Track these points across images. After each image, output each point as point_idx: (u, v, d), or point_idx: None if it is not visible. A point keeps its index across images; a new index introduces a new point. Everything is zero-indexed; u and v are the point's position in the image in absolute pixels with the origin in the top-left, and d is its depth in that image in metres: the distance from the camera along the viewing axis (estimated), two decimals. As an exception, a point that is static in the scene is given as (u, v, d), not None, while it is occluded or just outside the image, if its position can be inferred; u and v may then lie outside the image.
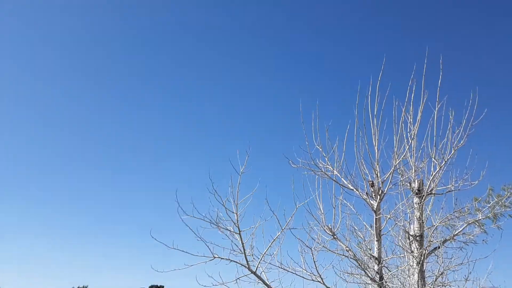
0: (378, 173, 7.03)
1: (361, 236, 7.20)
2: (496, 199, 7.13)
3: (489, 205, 7.11)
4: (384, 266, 6.94)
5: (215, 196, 6.18)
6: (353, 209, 7.20)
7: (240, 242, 6.31)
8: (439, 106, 7.06)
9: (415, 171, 7.20)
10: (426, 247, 6.93)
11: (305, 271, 6.82)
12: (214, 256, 6.31)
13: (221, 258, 6.36)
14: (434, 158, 7.04)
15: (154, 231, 6.04)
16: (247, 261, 6.38)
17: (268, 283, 6.49)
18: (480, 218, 7.00)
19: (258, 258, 6.48)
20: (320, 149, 7.12)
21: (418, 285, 6.80)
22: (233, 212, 6.28)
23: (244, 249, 6.33)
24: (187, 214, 5.99)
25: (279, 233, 6.49)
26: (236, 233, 6.30)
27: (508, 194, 6.88)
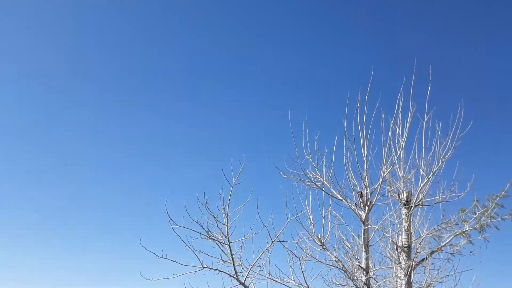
0: (367, 184, 7.08)
1: (349, 246, 7.22)
2: (481, 210, 7.22)
3: (475, 216, 7.20)
4: (371, 277, 6.96)
5: (206, 207, 6.15)
6: (342, 219, 7.23)
7: (230, 253, 6.28)
8: (427, 117, 7.17)
9: (403, 182, 7.27)
10: (413, 258, 6.97)
11: (294, 282, 6.82)
12: (203, 266, 6.26)
13: (210, 268, 6.32)
14: (422, 170, 7.12)
15: (144, 238, 5.99)
16: (236, 272, 6.36)
17: (256, 294, 6.46)
18: (467, 229, 7.09)
19: (247, 269, 6.45)
20: (310, 160, 7.16)
21: (405, 296, 6.82)
22: (223, 224, 6.26)
23: (233, 260, 6.30)
24: (176, 224, 5.94)
25: (269, 245, 6.48)
26: (226, 244, 6.27)
27: (494, 204, 6.98)
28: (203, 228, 6.24)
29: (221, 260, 6.33)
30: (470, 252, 7.14)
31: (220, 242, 6.28)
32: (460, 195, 7.10)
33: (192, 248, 6.12)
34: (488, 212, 7.21)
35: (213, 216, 6.19)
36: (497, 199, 6.95)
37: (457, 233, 7.08)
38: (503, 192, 6.96)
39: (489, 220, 7.29)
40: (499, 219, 7.22)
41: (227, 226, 6.34)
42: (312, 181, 7.11)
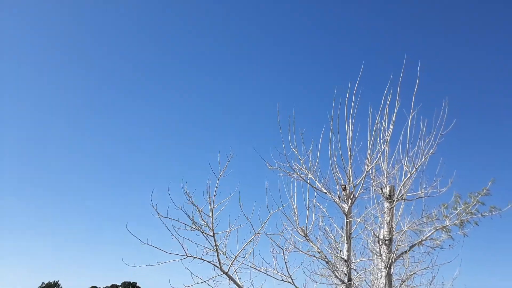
0: (351, 178, 7.20)
1: (332, 238, 7.38)
2: (463, 206, 7.38)
3: (456, 211, 7.36)
4: (353, 268, 7.12)
5: (190, 200, 6.23)
6: (325, 211, 7.37)
7: (214, 244, 6.39)
8: (413, 114, 7.29)
9: (386, 176, 7.40)
10: (394, 251, 7.13)
11: (276, 272, 6.95)
12: (187, 255, 6.37)
13: (194, 257, 6.42)
14: (406, 165, 7.25)
15: (128, 226, 6.06)
16: (219, 261, 6.47)
17: (239, 283, 6.59)
18: (448, 224, 7.24)
19: (231, 258, 6.57)
20: (296, 152, 7.26)
21: (385, 288, 6.99)
22: (208, 216, 6.35)
23: (217, 250, 6.41)
24: (161, 215, 6.02)
25: (253, 237, 6.60)
26: (210, 235, 6.37)
27: (475, 201, 7.13)
28: (189, 218, 6.32)
29: (205, 249, 6.43)
30: (449, 245, 7.31)
31: (204, 233, 6.38)
32: (441, 191, 7.25)
33: (176, 237, 6.22)
34: (469, 208, 7.36)
35: (198, 209, 6.27)
36: (479, 196, 7.10)
37: (438, 228, 7.23)
38: (484, 190, 7.10)
39: (470, 216, 7.45)
40: (480, 215, 7.39)
41: (212, 218, 6.43)
42: (297, 173, 7.22)
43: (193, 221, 6.29)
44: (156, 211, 5.96)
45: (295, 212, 7.25)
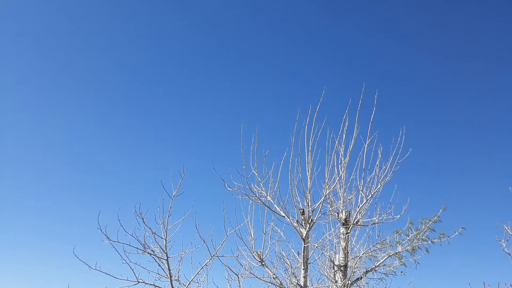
0: (309, 202, 7.13)
1: (289, 263, 7.23)
2: (414, 233, 7.55)
3: (408, 238, 7.51)
4: (309, 295, 7.00)
5: (143, 221, 5.86)
6: (283, 236, 7.24)
7: (167, 268, 6.03)
8: (369, 140, 7.38)
9: (343, 202, 7.42)
10: (349, 277, 7.10)
11: (231, 298, 6.68)
12: (138, 281, 5.96)
13: (145, 283, 6.02)
14: (362, 191, 7.31)
15: (77, 249, 5.58)
16: (172, 287, 6.11)
17: (193, 310, 6.25)
18: (400, 250, 7.36)
19: (185, 285, 6.23)
20: (256, 174, 7.11)
21: (340, 315, 6.92)
22: (161, 238, 6.00)
23: (170, 276, 6.07)
24: (110, 239, 5.60)
25: (208, 260, 6.31)
26: (163, 259, 6.01)
27: (425, 228, 7.31)
28: (139, 242, 5.94)
29: (158, 275, 6.06)
30: (401, 272, 7.42)
31: (157, 257, 6.01)
32: (395, 217, 7.35)
33: (127, 262, 5.80)
34: (420, 235, 7.54)
35: (151, 231, 5.91)
36: (430, 223, 7.29)
37: (391, 254, 7.33)
38: (435, 217, 7.31)
39: (421, 243, 7.63)
40: (430, 242, 7.59)
41: (165, 240, 6.09)
42: (256, 196, 7.05)
43: (144, 244, 5.92)
44: (105, 235, 5.54)
45: (251, 236, 7.06)
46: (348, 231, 7.32)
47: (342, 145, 7.40)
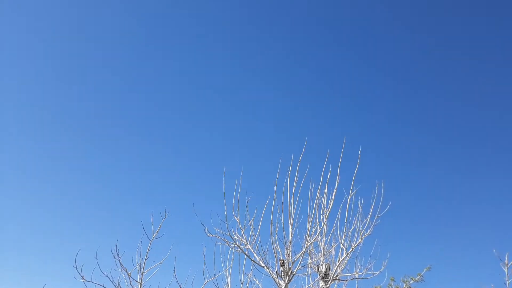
0: (290, 253, 6.95)
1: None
2: (394, 291, 7.42)
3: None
4: None
5: (119, 262, 5.56)
6: (261, 287, 6.96)
7: (142, 315, 5.67)
8: (352, 194, 7.37)
9: (324, 254, 7.26)
10: (327, 335, 6.83)
11: None
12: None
13: (115, 331, 5.60)
14: (343, 244, 7.20)
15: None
16: (143, 337, 5.71)
17: None
18: (379, 308, 7.18)
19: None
20: (238, 221, 6.91)
21: None
22: (137, 282, 5.68)
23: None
24: (85, 279, 5.25)
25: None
26: (138, 304, 5.66)
27: (407, 287, 7.20)
28: (114, 284, 5.59)
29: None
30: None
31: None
32: (375, 273, 7.23)
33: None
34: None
35: (127, 273, 5.59)
36: (411, 282, 7.19)
37: (370, 312, 7.13)
38: (418, 276, 7.22)
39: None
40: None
41: (140, 284, 5.76)
42: (236, 244, 6.82)
43: (119, 286, 5.57)
44: (80, 274, 5.18)
45: (228, 285, 6.77)
46: (327, 285, 7.12)
47: (324, 196, 7.36)
